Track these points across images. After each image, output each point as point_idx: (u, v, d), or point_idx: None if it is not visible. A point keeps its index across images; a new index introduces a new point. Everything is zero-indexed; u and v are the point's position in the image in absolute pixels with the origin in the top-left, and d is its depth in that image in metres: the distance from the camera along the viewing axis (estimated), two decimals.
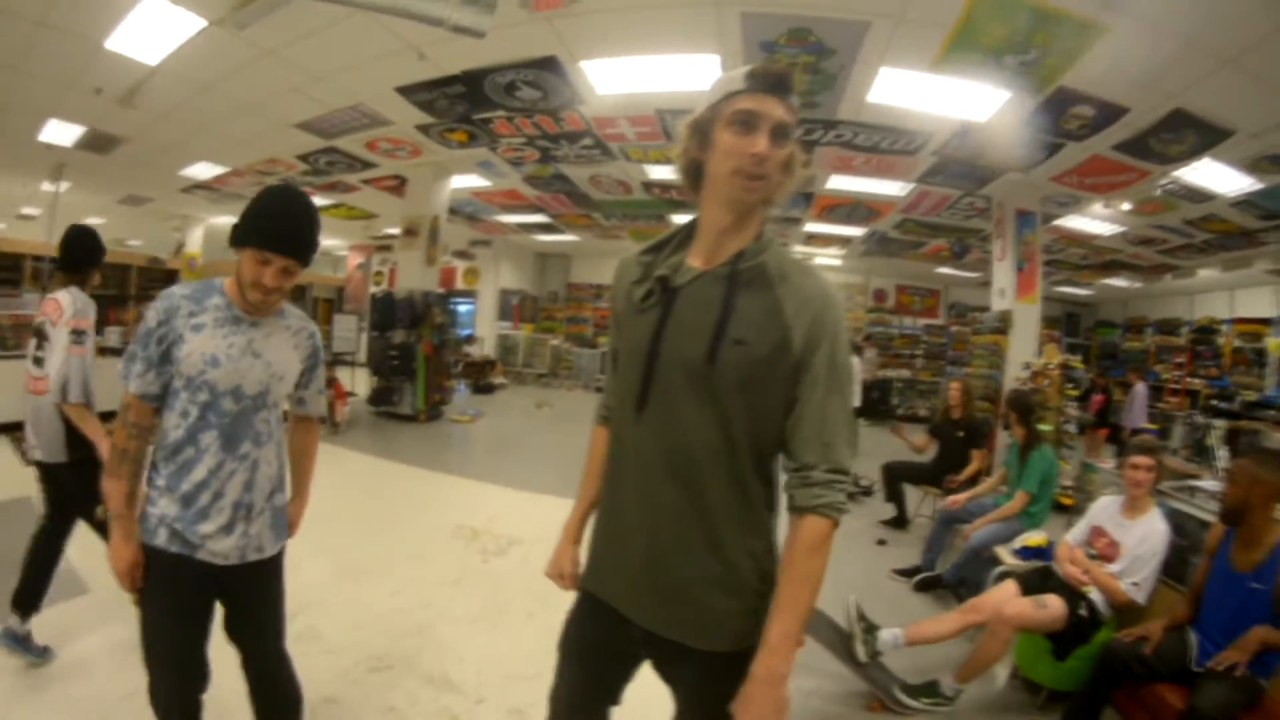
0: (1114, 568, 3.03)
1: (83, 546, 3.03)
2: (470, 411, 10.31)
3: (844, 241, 12.75)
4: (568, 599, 1.55)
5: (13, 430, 6.58)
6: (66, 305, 2.71)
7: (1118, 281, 13.88)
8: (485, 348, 15.47)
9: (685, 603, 1.27)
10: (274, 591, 1.88)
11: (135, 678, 1.77)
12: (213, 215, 13.29)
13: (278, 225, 1.63)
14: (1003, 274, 8.42)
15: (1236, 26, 4.13)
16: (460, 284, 16.41)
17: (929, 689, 3.02)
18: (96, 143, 8.12)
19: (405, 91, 6.30)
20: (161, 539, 1.65)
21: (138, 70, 5.83)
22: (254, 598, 1.83)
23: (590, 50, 5.36)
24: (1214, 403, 11.87)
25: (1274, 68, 4.52)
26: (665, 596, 1.28)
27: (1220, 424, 8.27)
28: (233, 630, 1.84)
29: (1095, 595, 3.01)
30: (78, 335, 2.64)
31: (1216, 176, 6.81)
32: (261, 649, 1.89)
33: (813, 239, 12.72)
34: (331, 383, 7.75)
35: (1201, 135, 5.77)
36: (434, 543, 4.53)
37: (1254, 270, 10.59)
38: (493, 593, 3.79)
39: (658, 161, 8.27)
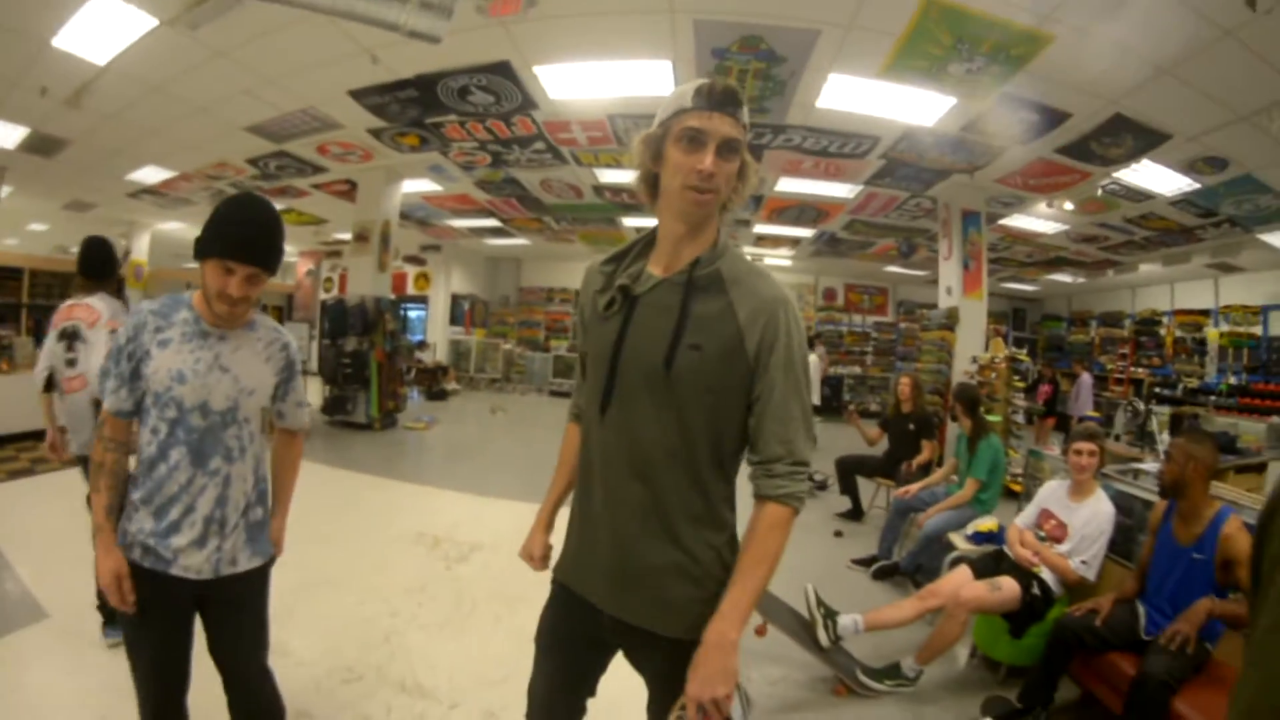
0: (1063, 548, 3.18)
1: (40, 569, 2.93)
2: (425, 419, 10.19)
3: (793, 242, 12.94)
4: (533, 602, 1.59)
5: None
6: (103, 309, 2.97)
7: (1062, 277, 14.34)
8: (438, 354, 15.33)
9: (651, 592, 1.33)
10: (252, 606, 1.86)
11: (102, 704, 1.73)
12: (160, 221, 12.92)
13: (240, 232, 1.61)
14: (949, 272, 8.66)
15: (1172, 38, 4.35)
16: (411, 289, 16.22)
17: (891, 671, 3.13)
18: (40, 145, 7.85)
19: (358, 95, 6.23)
20: (136, 554, 1.65)
21: (85, 70, 5.67)
22: (230, 611, 1.81)
23: (544, 55, 5.38)
24: (1157, 390, 12.47)
25: (1207, 77, 4.78)
26: (632, 586, 1.34)
27: (1163, 410, 8.64)
28: (212, 646, 1.82)
29: (1047, 575, 3.15)
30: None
31: (1156, 177, 7.08)
32: (241, 665, 1.87)
33: (762, 240, 12.89)
34: None
35: (1140, 139, 6.03)
36: (396, 551, 4.48)
37: (1193, 265, 11.05)
38: (457, 598, 3.78)
39: (609, 165, 8.31)
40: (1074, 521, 3.20)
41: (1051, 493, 3.41)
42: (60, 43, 5.24)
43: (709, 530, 1.34)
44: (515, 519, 5.13)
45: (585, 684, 1.56)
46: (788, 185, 8.82)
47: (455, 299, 16.40)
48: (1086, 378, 11.05)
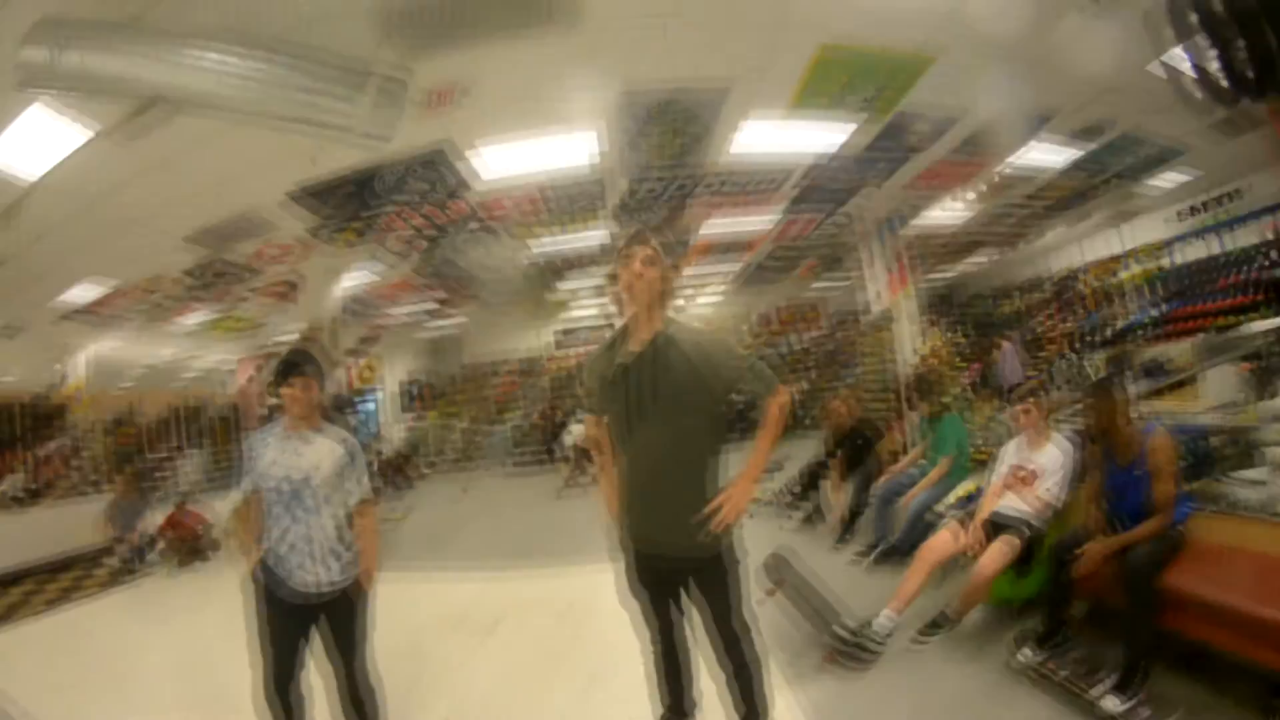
0: (1038, 488, 3.66)
1: None
2: (399, 509, 10.11)
3: (723, 277, 13.40)
4: (585, 654, 2.85)
5: None
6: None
7: (979, 258, 15.14)
8: (394, 443, 15.19)
9: (683, 532, 2.26)
10: (350, 616, 2.74)
11: None
12: (95, 342, 12.18)
13: (290, 360, 2.72)
14: (874, 278, 9.18)
15: (1038, 23, 4.79)
16: (356, 383, 15.91)
17: (940, 620, 3.51)
18: None
19: (295, 195, 6.35)
20: (267, 576, 2.61)
21: (15, 188, 5.44)
22: (335, 619, 2.70)
23: (475, 139, 5.70)
24: (1089, 338, 12.87)
25: (1071, 58, 5.25)
26: (672, 531, 2.30)
27: (1098, 354, 9.15)
28: (327, 650, 2.73)
29: (1028, 514, 3.59)
30: None
31: (1045, 154, 7.76)
32: (345, 663, 2.74)
33: (693, 279, 13.25)
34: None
35: (1028, 123, 6.67)
36: (425, 637, 4.47)
37: (1095, 220, 11.98)
38: (505, 667, 3.92)
39: (539, 235, 8.68)
40: (1038, 466, 3.70)
41: (1014, 450, 3.90)
42: None
43: (706, 482, 2.32)
44: (527, 585, 5.41)
45: (677, 604, 2.51)
46: (711, 227, 9.22)
47: (402, 386, 16.40)
48: (1008, 346, 11.42)
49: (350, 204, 6.71)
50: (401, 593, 5.45)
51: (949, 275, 17.19)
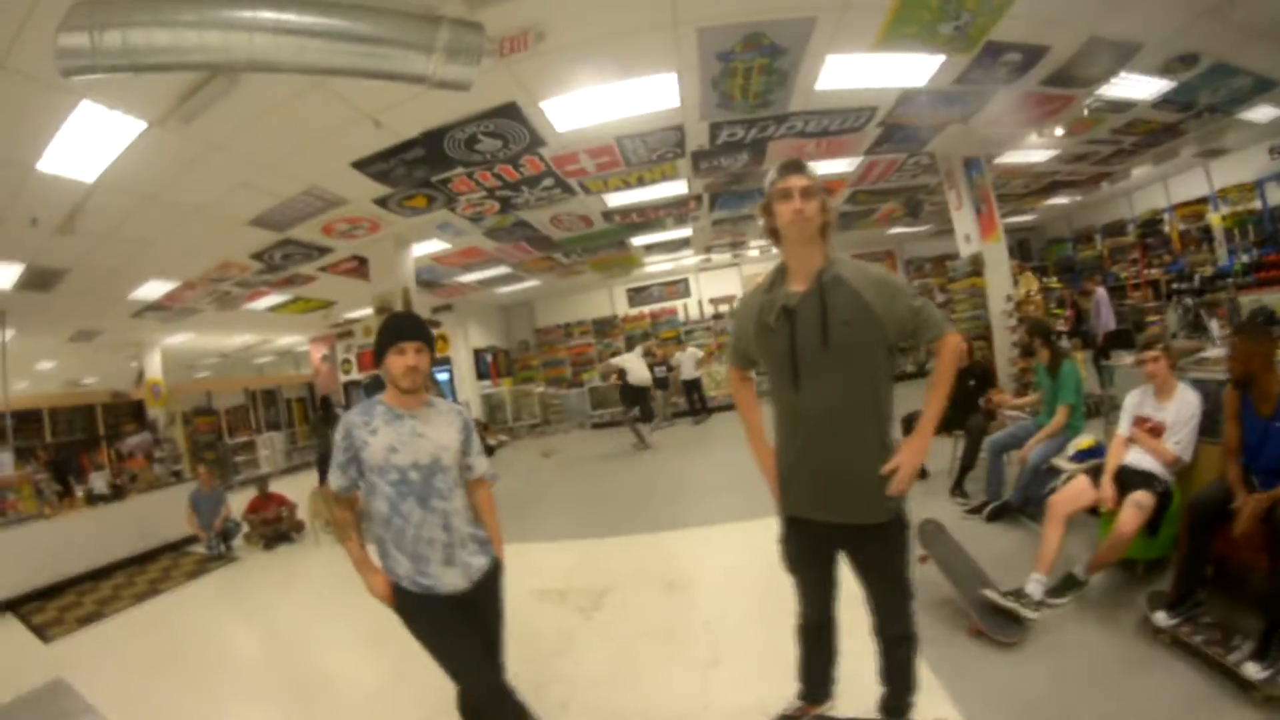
0: (1168, 440, 3.48)
1: None
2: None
3: None
4: (699, 631, 2.94)
5: None
6: None
7: (1060, 200, 14.48)
8: (471, 411, 15.18)
9: (857, 496, 2.10)
10: (498, 605, 2.46)
11: None
12: (168, 336, 12.72)
13: (398, 324, 2.36)
14: (964, 221, 8.76)
15: None
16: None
17: (1069, 582, 3.33)
18: (37, 280, 7.67)
19: (361, 165, 6.20)
20: (408, 585, 2.26)
21: (74, 191, 5.54)
22: (489, 613, 2.43)
23: (550, 90, 5.42)
24: (1175, 286, 12.32)
25: None
26: (844, 495, 2.11)
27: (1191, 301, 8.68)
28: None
29: (1156, 469, 3.44)
30: None
31: (1135, 86, 7.34)
32: (495, 650, 2.43)
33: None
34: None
35: (1117, 54, 6.27)
36: (527, 615, 4.10)
37: (1182, 158, 11.23)
38: (616, 646, 3.66)
39: (618, 189, 8.38)
40: (1167, 418, 3.51)
41: (1139, 401, 3.71)
42: (45, 166, 5.07)
43: (882, 440, 2.10)
44: (624, 554, 5.24)
45: (830, 578, 2.32)
46: None
47: (477, 354, 16.35)
48: (1101, 292, 11.08)
49: (418, 169, 6.53)
50: None
51: (1027, 219, 16.63)
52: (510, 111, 5.62)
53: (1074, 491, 3.62)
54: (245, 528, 7.95)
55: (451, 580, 2.27)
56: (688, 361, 13.00)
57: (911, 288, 2.17)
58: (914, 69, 6.07)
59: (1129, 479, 3.46)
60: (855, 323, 2.02)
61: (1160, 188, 13.51)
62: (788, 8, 4.79)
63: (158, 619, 5.67)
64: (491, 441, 13.59)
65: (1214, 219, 12.31)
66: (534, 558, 5.36)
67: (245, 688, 3.99)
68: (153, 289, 9.12)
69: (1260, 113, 9.02)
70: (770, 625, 3.20)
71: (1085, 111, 7.89)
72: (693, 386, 13.10)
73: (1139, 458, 3.55)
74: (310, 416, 16.37)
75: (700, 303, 17.86)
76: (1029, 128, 8.38)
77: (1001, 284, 8.39)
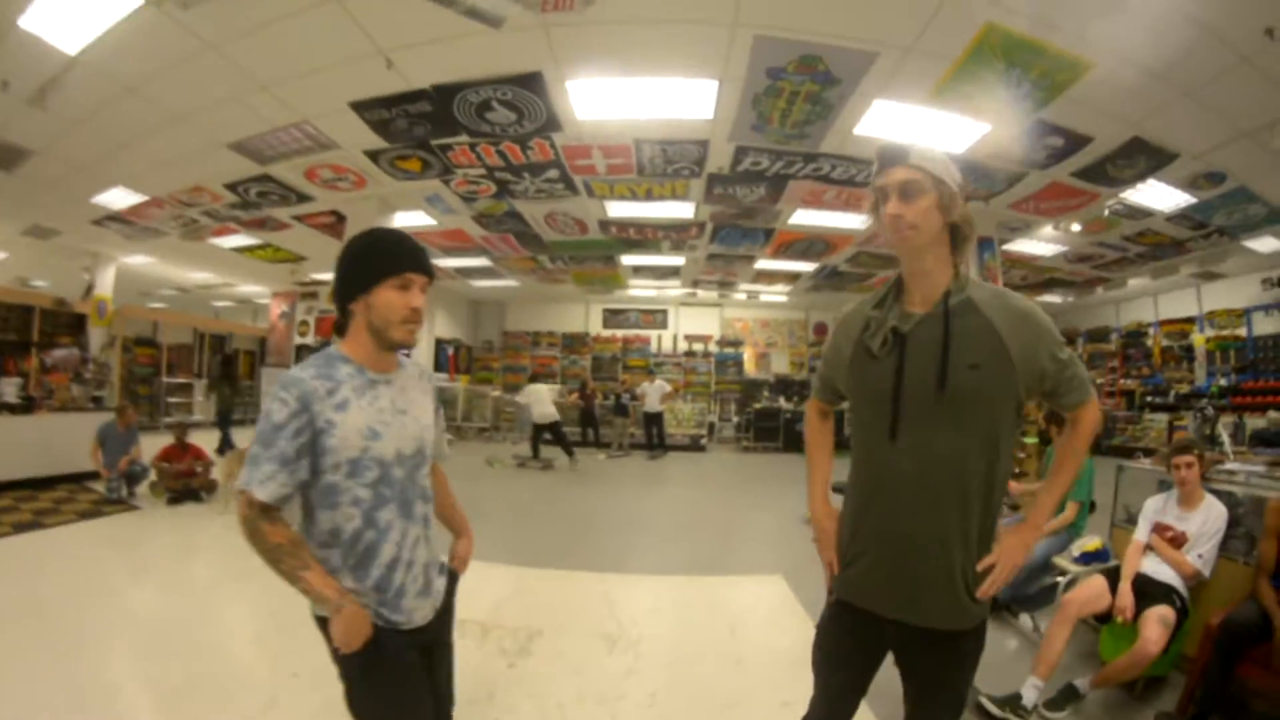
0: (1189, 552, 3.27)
1: None
2: None
3: (792, 278, 12.75)
4: (636, 703, 2.15)
5: None
6: None
7: (1052, 298, 14.63)
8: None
9: (942, 594, 1.55)
10: (451, 639, 1.87)
11: None
12: (126, 254, 12.02)
13: (407, 246, 1.62)
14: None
15: (1199, 62, 4.59)
16: None
17: (1068, 693, 3.08)
18: (0, 154, 7.01)
19: (360, 107, 5.70)
20: (382, 615, 1.59)
21: (54, 60, 4.90)
22: (443, 657, 1.83)
23: (581, 67, 5.00)
24: (1149, 399, 13.11)
25: (1223, 98, 5.06)
26: (924, 590, 1.56)
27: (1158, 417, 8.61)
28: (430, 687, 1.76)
29: (1175, 581, 3.21)
30: None
31: (1158, 195, 7.41)
32: (445, 699, 1.84)
33: (761, 276, 12.69)
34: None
35: (1152, 159, 6.31)
36: None
37: (1180, 276, 11.53)
38: (543, 708, 3.04)
39: (622, 197, 7.97)
40: (1190, 529, 3.30)
41: (1160, 508, 3.50)
42: (28, 24, 4.50)
43: (986, 524, 1.58)
44: (564, 590, 4.64)
45: (864, 687, 1.77)
46: (802, 218, 8.65)
47: (439, 344, 15.78)
48: None
49: (420, 126, 6.03)
50: None
51: None
52: (533, 83, 5.18)
53: (1091, 593, 3.30)
54: (153, 475, 7.29)
55: (423, 613, 1.66)
56: (653, 393, 12.63)
57: (1058, 334, 1.60)
58: (956, 133, 5.89)
59: (1147, 589, 3.22)
60: (985, 366, 1.50)
61: (1150, 301, 13.90)
62: (854, 36, 4.52)
63: (31, 555, 5.05)
64: None
65: (1198, 339, 12.72)
66: (462, 579, 4.78)
67: (111, 659, 3.39)
68: (118, 197, 8.48)
69: (1263, 243, 9.31)
70: (730, 710, 2.75)
71: (1105, 212, 8.02)
72: (653, 420, 12.71)
73: (1156, 567, 3.31)
74: (216, 371, 15.44)
75: (675, 337, 17.64)
76: (1048, 218, 8.39)
77: None
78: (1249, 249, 9.57)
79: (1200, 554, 3.22)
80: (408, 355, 1.79)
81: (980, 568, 1.57)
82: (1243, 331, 11.90)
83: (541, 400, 10.99)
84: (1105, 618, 3.34)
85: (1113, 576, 3.38)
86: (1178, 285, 12.52)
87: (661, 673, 3.35)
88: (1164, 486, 4.06)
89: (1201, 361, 12.65)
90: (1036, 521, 1.66)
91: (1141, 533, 3.48)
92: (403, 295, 1.56)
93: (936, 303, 1.57)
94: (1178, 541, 3.31)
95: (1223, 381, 11.98)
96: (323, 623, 1.54)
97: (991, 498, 1.57)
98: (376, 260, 1.58)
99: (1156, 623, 3.00)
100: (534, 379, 13.21)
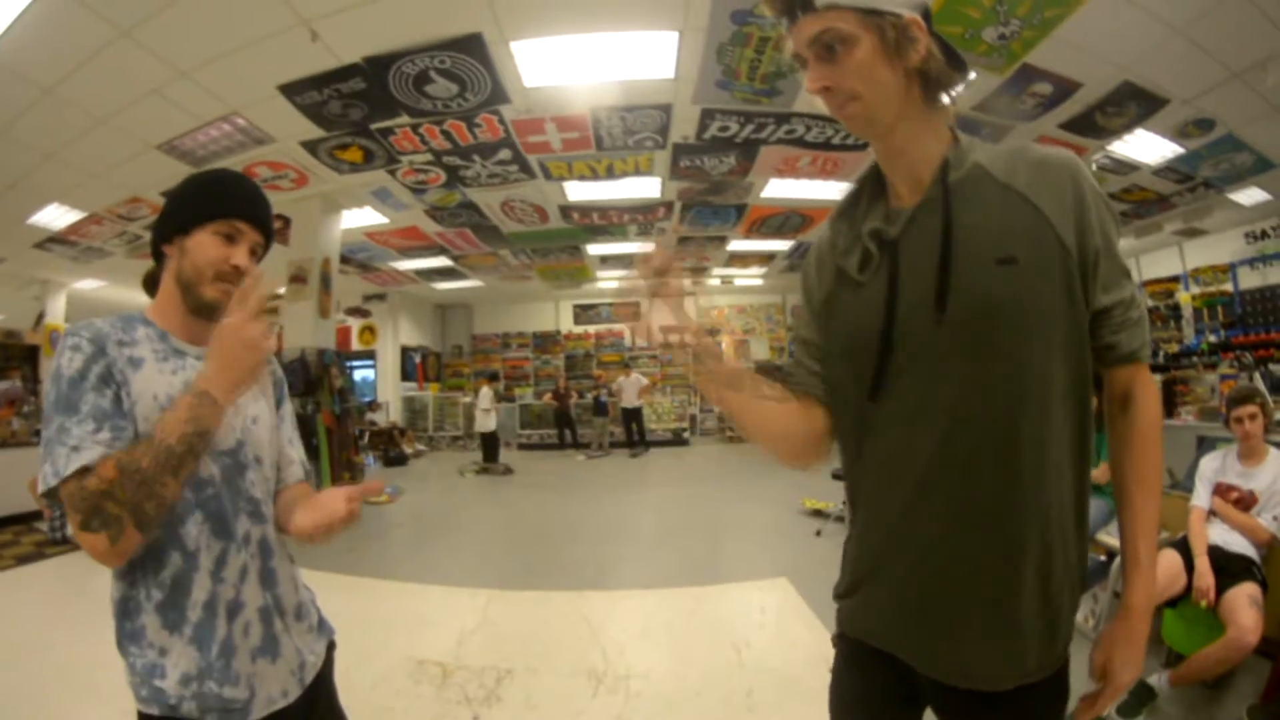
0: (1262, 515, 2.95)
1: None
2: (387, 490, 8.75)
3: (766, 259, 12.34)
4: None
5: None
6: None
7: None
8: (390, 413, 14.05)
9: (987, 639, 0.98)
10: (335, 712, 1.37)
11: None
12: (75, 278, 11.61)
13: (244, 188, 1.27)
14: None
15: None
16: (357, 344, 14.96)
17: (1139, 696, 2.72)
18: None
19: (290, 91, 5.20)
20: (194, 710, 1.08)
21: None
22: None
23: (526, 26, 4.52)
24: None
25: (1215, 34, 4.75)
26: (963, 632, 0.99)
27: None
28: None
29: (1251, 551, 2.87)
30: None
31: (1145, 146, 7.13)
32: None
33: (734, 259, 12.27)
34: None
35: (1142, 105, 6.03)
36: (392, 696, 3.07)
37: (1163, 234, 11.37)
38: None
39: (581, 177, 7.46)
40: (1259, 486, 2.98)
41: (1219, 467, 3.15)
42: None
43: (1067, 515, 0.99)
44: (537, 616, 4.09)
45: None
46: (776, 189, 8.21)
47: (405, 352, 15.25)
48: None
49: (355, 108, 5.51)
50: (365, 612, 4.15)
51: None
52: (473, 46, 4.67)
53: (1167, 575, 2.84)
54: None
55: (275, 687, 1.18)
56: (630, 388, 12.21)
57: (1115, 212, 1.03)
58: None
59: (1222, 564, 2.81)
60: (1024, 257, 0.95)
61: (1132, 263, 13.56)
62: None
63: None
64: (408, 449, 12.43)
65: (1184, 298, 12.59)
66: (420, 607, 4.21)
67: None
68: (56, 215, 8.05)
69: (1248, 195, 9.13)
70: None
71: (1093, 167, 7.73)
72: (632, 416, 12.34)
73: (1226, 536, 2.92)
74: None
75: (650, 329, 17.04)
76: None
77: None
78: (1233, 202, 9.42)
79: (1277, 515, 2.87)
80: (276, 354, 1.36)
81: (1094, 685, 1.03)
82: (1229, 287, 11.79)
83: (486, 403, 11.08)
84: (1173, 601, 2.93)
85: (1182, 550, 2.95)
86: (1160, 244, 12.38)
87: (658, 718, 2.82)
88: (1205, 444, 3.72)
89: (1189, 320, 12.51)
90: (1142, 600, 1.02)
91: (1202, 498, 3.09)
92: (224, 246, 1.20)
93: (931, 184, 1.04)
94: (1245, 503, 2.94)
95: (1212, 338, 11.85)
96: None
97: (1081, 477, 1.01)
98: (202, 198, 1.23)
99: (1248, 605, 2.59)
100: (493, 377, 12.91)
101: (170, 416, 1.05)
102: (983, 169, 1.02)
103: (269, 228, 1.28)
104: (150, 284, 1.28)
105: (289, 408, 1.43)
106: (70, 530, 4.09)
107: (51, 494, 1.02)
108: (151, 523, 1.03)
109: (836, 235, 1.15)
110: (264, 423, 1.29)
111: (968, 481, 0.97)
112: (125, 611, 1.12)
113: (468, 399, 15.00)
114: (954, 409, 0.97)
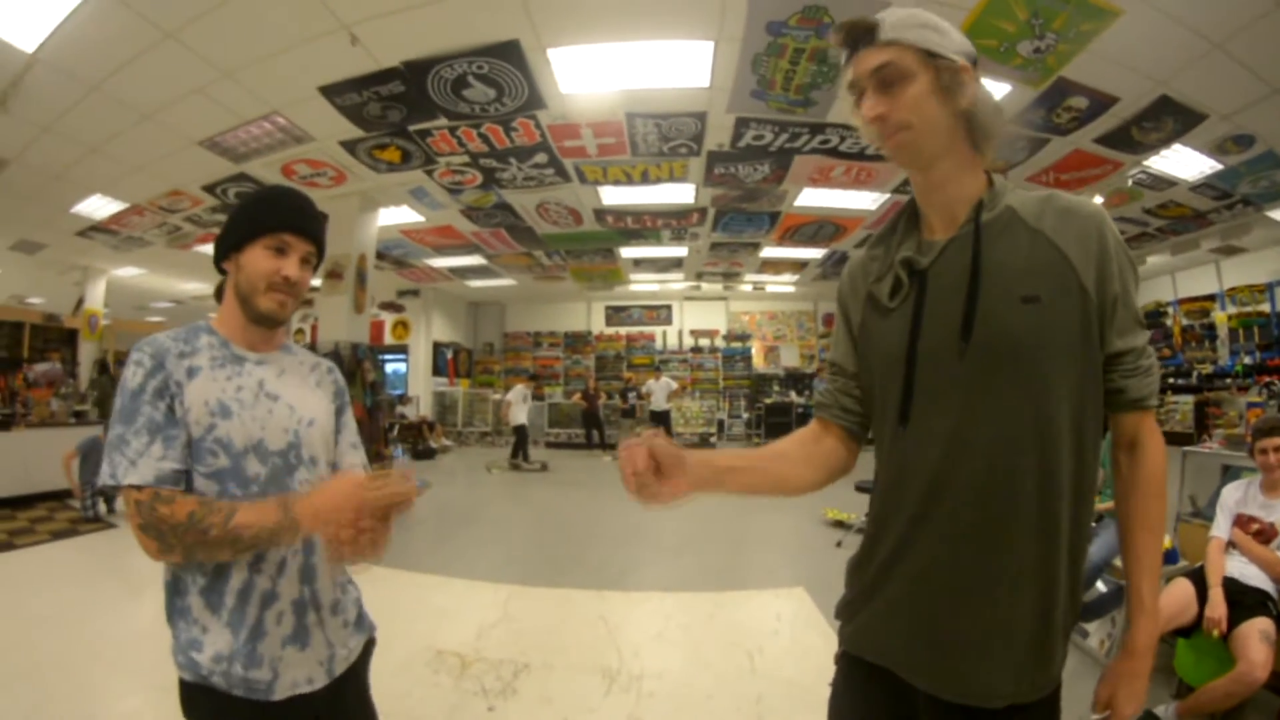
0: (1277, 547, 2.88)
1: None
2: (415, 483, 8.94)
3: (799, 266, 12.32)
4: None
5: None
6: None
7: None
8: (420, 407, 14.18)
9: (994, 657, 1.02)
10: (367, 709, 1.44)
11: None
12: (116, 266, 11.88)
13: (291, 203, 1.34)
14: None
15: (1232, 7, 4.27)
16: (390, 339, 15.14)
17: None
18: None
19: (330, 92, 5.32)
20: (220, 681, 1.17)
21: (13, 59, 4.74)
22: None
23: (562, 33, 4.60)
24: (1171, 381, 12.56)
25: (1256, 49, 4.71)
26: (966, 649, 1.03)
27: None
28: None
29: (1267, 585, 2.78)
30: None
31: (1183, 162, 7.05)
32: None
33: (766, 265, 12.26)
34: None
35: (1180, 120, 5.94)
36: (411, 683, 3.16)
37: (1200, 251, 11.06)
38: None
39: (616, 181, 7.53)
40: None
41: (1240, 498, 3.07)
42: None
43: (1065, 542, 1.02)
44: (553, 613, 4.13)
45: None
46: (810, 198, 8.21)
47: (437, 347, 15.38)
48: None
49: (394, 110, 5.63)
50: (387, 601, 4.10)
51: None
52: (510, 52, 4.75)
53: (1178, 604, 2.83)
54: None
55: (300, 673, 1.24)
56: (660, 391, 12.22)
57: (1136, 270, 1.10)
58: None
59: (1238, 597, 2.75)
60: (1047, 298, 1.01)
61: (1168, 280, 13.41)
62: None
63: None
64: (435, 444, 12.57)
65: (1220, 317, 12.29)
66: (436, 598, 4.28)
67: (66, 690, 2.97)
68: (98, 205, 8.29)
69: None
70: None
71: (1129, 182, 7.67)
72: (661, 419, 12.31)
73: (1244, 569, 2.85)
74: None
75: (681, 333, 17.23)
76: (1069, 190, 7.79)
77: None
78: (1273, 220, 9.19)
79: None
80: (311, 347, 1.44)
81: (1101, 700, 1.10)
82: (1266, 307, 11.50)
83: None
84: (1186, 631, 2.87)
85: (1197, 580, 2.91)
86: (1197, 261, 12.08)
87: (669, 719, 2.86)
88: (1230, 473, 3.65)
89: (1224, 340, 12.19)
90: (1145, 640, 1.09)
91: (1222, 528, 3.02)
92: (274, 259, 1.29)
93: (964, 222, 1.10)
94: (1266, 536, 2.86)
95: (1247, 360, 11.54)
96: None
97: (1080, 508, 1.04)
98: (252, 215, 1.31)
99: (1260, 640, 2.54)
100: (533, 377, 12.92)
101: (255, 511, 1.12)
102: (1014, 212, 1.07)
103: (318, 237, 1.35)
104: (220, 294, 1.37)
105: (350, 415, 1.49)
106: (102, 510, 4.31)
107: (108, 489, 1.16)
108: (197, 560, 1.15)
109: (871, 261, 1.22)
110: (320, 426, 1.36)
111: (974, 505, 1.02)
112: (175, 589, 1.22)
113: (497, 396, 15.13)
114: (967, 435, 1.02)
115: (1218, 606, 2.70)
